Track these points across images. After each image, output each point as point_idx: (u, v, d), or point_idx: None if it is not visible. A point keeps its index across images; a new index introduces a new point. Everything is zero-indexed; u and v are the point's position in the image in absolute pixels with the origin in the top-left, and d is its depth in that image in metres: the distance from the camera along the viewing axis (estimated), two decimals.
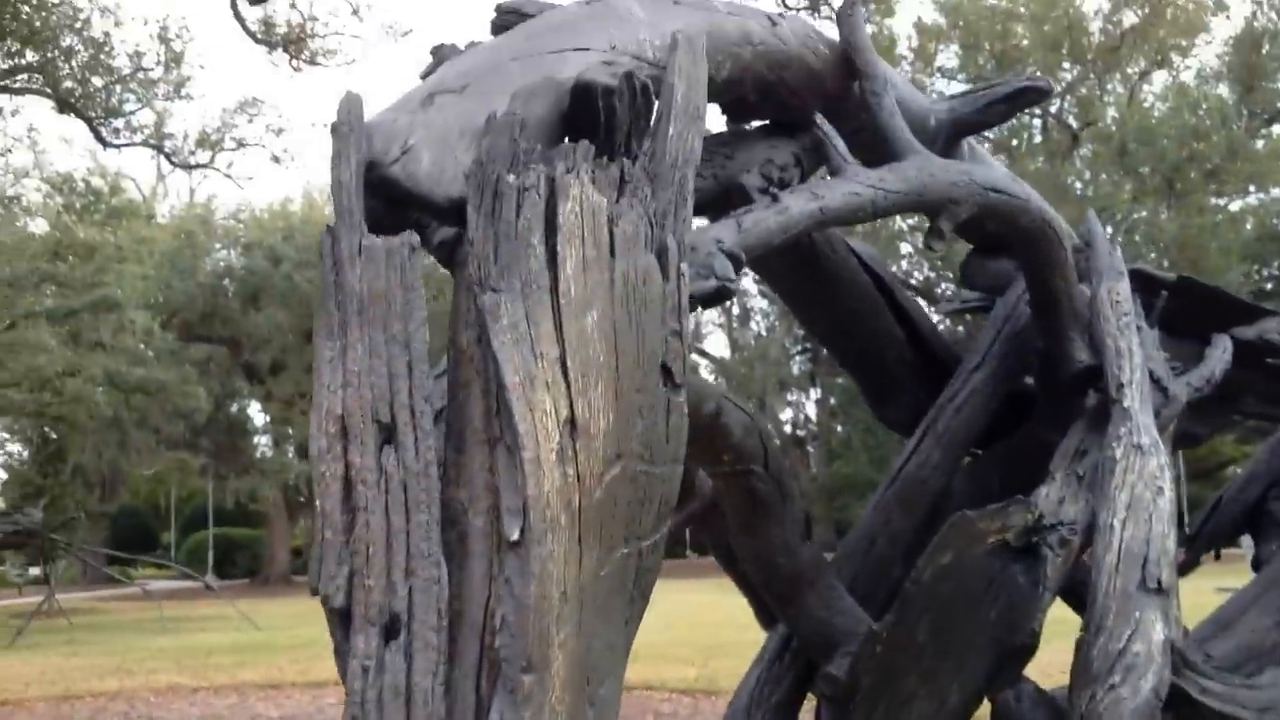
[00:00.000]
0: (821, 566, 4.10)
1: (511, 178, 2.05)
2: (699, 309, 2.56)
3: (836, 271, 4.25)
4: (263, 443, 41.70)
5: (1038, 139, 34.14)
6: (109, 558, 31.96)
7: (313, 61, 21.62)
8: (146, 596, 25.86)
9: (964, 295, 4.85)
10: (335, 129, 2.10)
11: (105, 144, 22.56)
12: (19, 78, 22.45)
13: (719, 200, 3.45)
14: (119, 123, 23.24)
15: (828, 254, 4.21)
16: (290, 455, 38.12)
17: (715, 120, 3.81)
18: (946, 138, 4.02)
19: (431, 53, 3.12)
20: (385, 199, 2.18)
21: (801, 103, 3.59)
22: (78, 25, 21.29)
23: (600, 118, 2.26)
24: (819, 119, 3.48)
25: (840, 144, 3.45)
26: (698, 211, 3.47)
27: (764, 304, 35.50)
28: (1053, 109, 33.41)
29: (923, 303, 7.16)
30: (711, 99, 3.38)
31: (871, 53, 3.62)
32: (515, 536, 1.95)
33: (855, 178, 3.38)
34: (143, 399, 27.90)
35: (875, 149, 3.68)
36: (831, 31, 3.74)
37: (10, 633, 20.76)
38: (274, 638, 21.04)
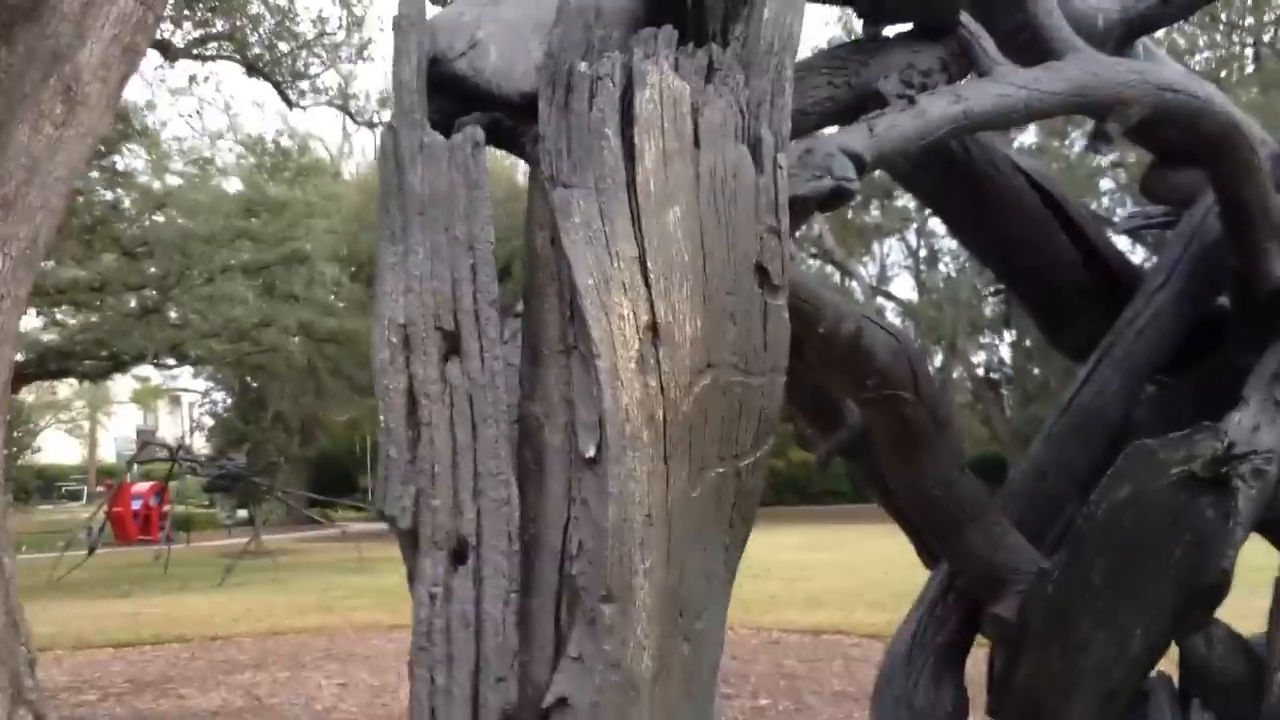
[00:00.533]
0: (984, 501, 3.83)
1: (584, 66, 1.87)
2: (813, 213, 2.33)
3: (1000, 191, 3.95)
4: None
5: (1250, 69, 32.38)
6: (310, 500, 32.99)
7: None
8: (345, 537, 26.61)
9: (1146, 211, 4.48)
10: (396, 24, 1.94)
11: (292, 105, 23.16)
12: (210, 45, 23.09)
13: (854, 110, 3.21)
14: (304, 85, 23.76)
15: (989, 173, 3.91)
16: None
17: (853, 26, 3.56)
18: (1119, 38, 3.68)
19: None
20: (453, 97, 2.02)
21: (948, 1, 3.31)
22: None
23: (689, 4, 2.05)
24: (965, 18, 3.19)
25: (989, 43, 3.17)
26: (830, 123, 3.24)
27: (952, 244, 34.55)
28: (1266, 36, 31.62)
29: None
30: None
31: None
32: (591, 453, 1.78)
33: (1006, 78, 3.09)
34: (335, 348, 28.71)
35: (1033, 53, 3.38)
36: None
37: (220, 572, 21.58)
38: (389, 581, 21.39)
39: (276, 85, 23.42)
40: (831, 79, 3.30)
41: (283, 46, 23.31)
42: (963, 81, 3.15)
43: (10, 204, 9.85)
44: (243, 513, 33.25)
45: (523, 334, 1.97)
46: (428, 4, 2.00)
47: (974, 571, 3.82)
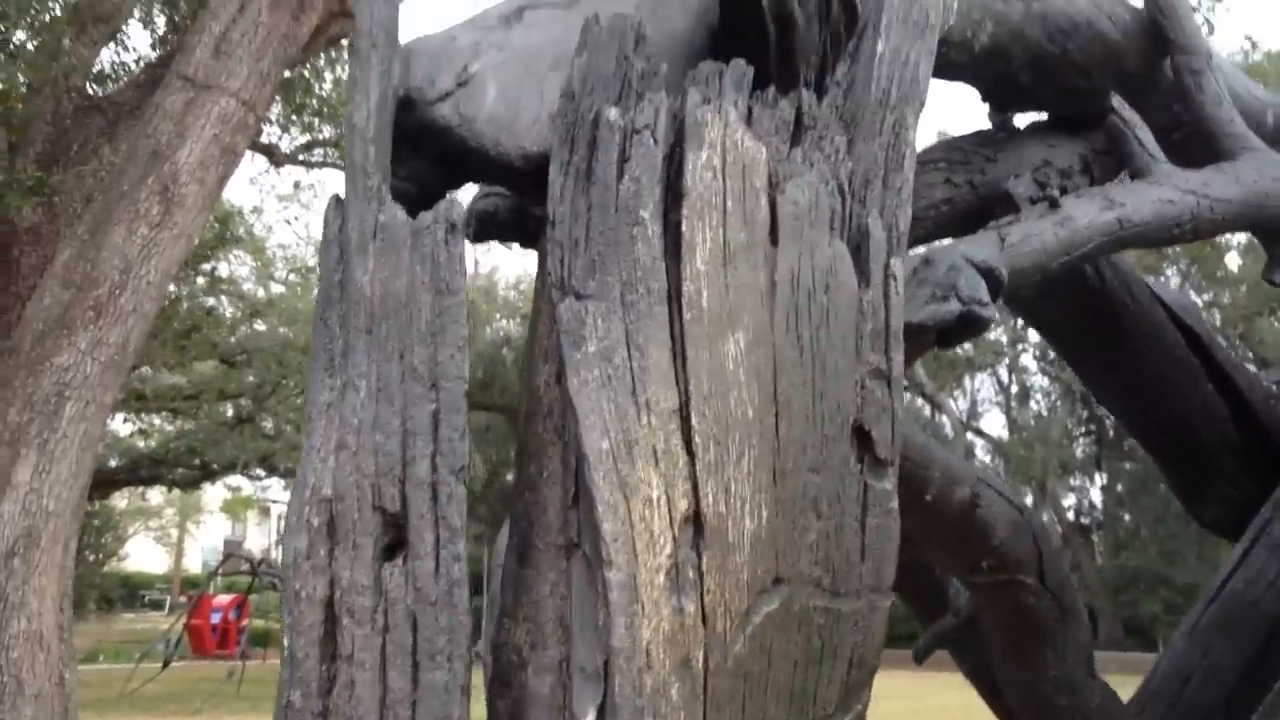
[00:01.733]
0: (1115, 710, 3.12)
1: (614, 114, 1.25)
2: (931, 347, 1.69)
3: (1136, 325, 3.28)
4: None
5: None
6: None
7: None
8: None
9: None
10: (353, 44, 1.33)
11: None
12: (315, 151, 23.30)
13: (977, 216, 2.59)
14: None
15: (1124, 301, 3.25)
16: None
17: (978, 113, 2.92)
18: None
19: None
20: (434, 157, 1.39)
21: (1092, 85, 2.69)
22: None
23: (770, 33, 1.42)
24: (1117, 104, 2.56)
25: (1147, 136, 2.55)
26: (948, 232, 2.63)
27: (1044, 381, 33.66)
28: None
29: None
30: (968, 75, 2.54)
31: (1190, 20, 2.69)
32: (590, 718, 1.13)
33: (1169, 179, 2.47)
34: None
35: (1195, 151, 2.75)
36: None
37: None
38: None
39: None
40: (950, 176, 2.71)
41: None
42: (1113, 183, 2.50)
43: (102, 307, 9.54)
44: None
45: (510, 518, 1.33)
46: (402, 21, 1.39)
47: None
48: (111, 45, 11.29)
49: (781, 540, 1.22)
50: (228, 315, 26.49)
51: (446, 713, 1.16)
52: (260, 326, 25.41)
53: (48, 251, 10.15)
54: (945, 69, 2.50)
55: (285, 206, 33.20)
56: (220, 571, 30.56)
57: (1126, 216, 2.34)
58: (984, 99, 2.83)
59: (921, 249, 1.96)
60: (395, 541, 1.22)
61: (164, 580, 63.31)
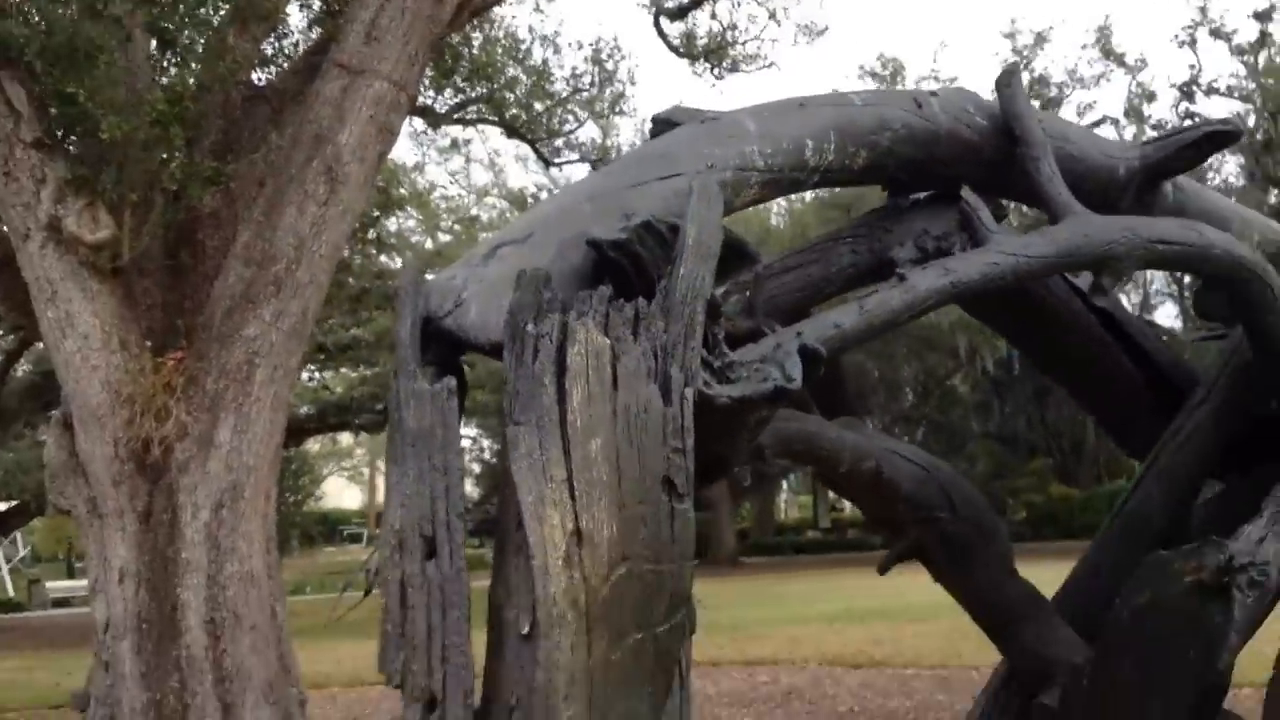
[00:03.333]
0: (1035, 601, 4.25)
1: (530, 327, 2.47)
2: (768, 407, 2.84)
3: (1056, 313, 4.37)
4: None
5: None
6: None
7: (734, 69, 22.26)
8: None
9: (1211, 327, 4.81)
10: (395, 293, 2.59)
11: (548, 163, 24.13)
12: (470, 109, 24.28)
13: (874, 274, 3.71)
14: (559, 142, 24.72)
15: (1043, 297, 4.33)
16: None
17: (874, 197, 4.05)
18: (1140, 183, 4.06)
19: (653, 120, 3.55)
20: (447, 344, 2.65)
21: (960, 174, 3.77)
22: (519, 56, 22.82)
23: (624, 265, 2.63)
24: (965, 192, 3.66)
25: (985, 215, 3.62)
26: (851, 288, 3.75)
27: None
28: None
29: None
30: (853, 183, 3.67)
31: (1029, 118, 3.75)
32: (525, 630, 2.38)
33: (997, 247, 3.54)
34: None
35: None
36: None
37: (486, 611, 22.69)
38: (717, 617, 21.93)
39: (532, 144, 24.53)
40: (854, 247, 3.82)
41: (538, 106, 24.37)
42: (952, 257, 3.60)
43: (281, 282, 10.94)
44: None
45: (496, 534, 2.59)
46: (425, 273, 2.64)
47: (1023, 662, 4.25)
48: (272, 35, 12.40)
49: (625, 538, 2.44)
50: (398, 270, 27.91)
51: (459, 631, 2.43)
52: (430, 276, 26.98)
53: (228, 234, 11.43)
54: (835, 180, 3.65)
55: (445, 159, 34.66)
56: None
57: (958, 279, 3.42)
58: (883, 189, 3.96)
59: (784, 333, 3.08)
60: (430, 551, 2.49)
61: (359, 515, 66.20)
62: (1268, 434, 4.41)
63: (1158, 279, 37.82)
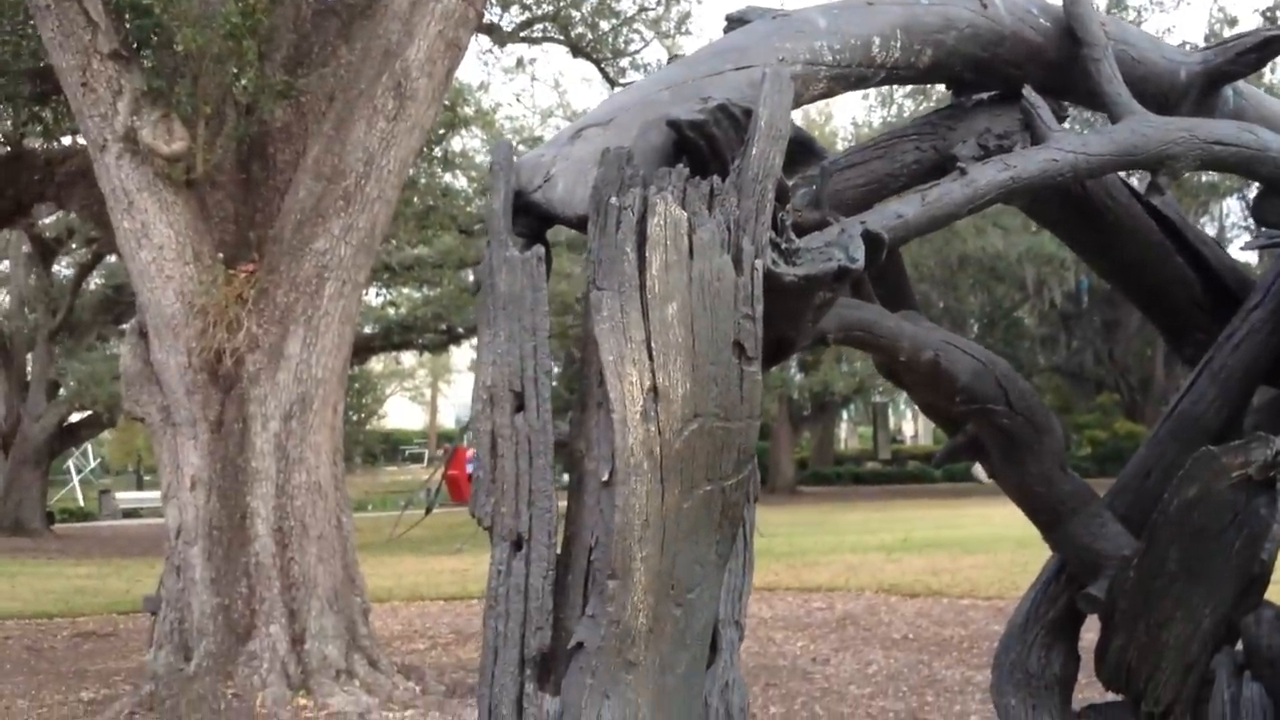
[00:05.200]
0: (1085, 496, 4.42)
1: (613, 200, 2.66)
2: (833, 286, 3.02)
3: (1118, 219, 4.50)
4: None
5: None
6: None
7: None
8: None
9: (1269, 231, 4.90)
10: (490, 168, 2.79)
11: (613, 84, 24.18)
12: (536, 27, 24.25)
13: (938, 171, 3.86)
14: (624, 62, 24.71)
15: (1106, 203, 4.46)
16: (791, 371, 39.54)
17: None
18: (1201, 88, 4.17)
19: (726, 18, 3.72)
20: (536, 216, 2.85)
21: (1024, 73, 3.90)
22: None
23: (701, 145, 2.81)
24: (1027, 91, 3.78)
25: (1046, 113, 3.74)
26: (916, 183, 3.90)
27: None
28: None
29: None
30: (919, 80, 3.82)
31: (1091, 20, 3.86)
32: (605, 477, 2.60)
33: (1056, 144, 3.68)
34: None
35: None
36: None
37: None
38: (773, 544, 22.28)
39: (597, 64, 24.52)
40: (919, 144, 3.97)
41: (604, 25, 24.30)
42: (1013, 152, 3.74)
43: (350, 196, 11.20)
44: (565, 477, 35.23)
45: (577, 389, 2.80)
46: (518, 146, 2.83)
47: (1075, 556, 4.44)
48: None
49: (697, 396, 2.64)
50: (463, 189, 28.23)
51: (545, 478, 2.66)
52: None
53: (299, 147, 11.70)
54: (902, 78, 3.80)
55: (511, 78, 34.60)
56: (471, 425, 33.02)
57: (1018, 174, 3.56)
58: (948, 88, 4.09)
59: (851, 220, 3.26)
60: (519, 405, 2.70)
61: (421, 435, 67.12)
62: None
63: (1234, 212, 37.40)
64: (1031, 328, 46.74)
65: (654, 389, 2.61)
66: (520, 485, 2.67)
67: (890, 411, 60.23)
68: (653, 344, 2.61)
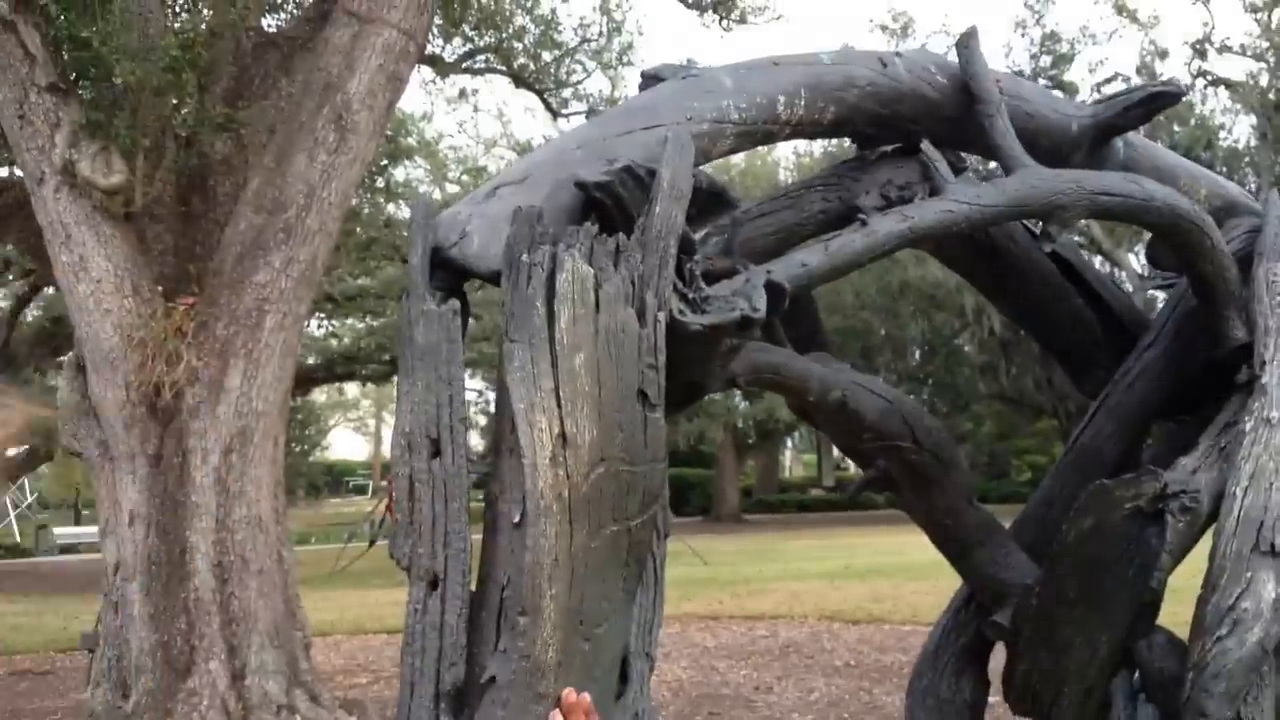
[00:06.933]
0: (991, 527, 4.62)
1: (525, 256, 2.82)
2: (737, 334, 3.20)
3: (1019, 262, 4.72)
4: None
5: None
6: None
7: (742, 20, 22.31)
8: None
9: (1164, 274, 5.14)
10: (409, 225, 2.95)
11: (555, 114, 24.29)
12: (478, 59, 24.29)
13: (844, 220, 4.05)
14: (567, 93, 24.76)
15: (1008, 246, 4.69)
16: (736, 399, 39.83)
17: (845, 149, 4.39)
18: (1093, 140, 4.40)
19: (641, 75, 3.90)
20: (452, 271, 3.02)
21: (922, 129, 4.11)
22: (527, 5, 22.87)
23: (607, 204, 2.99)
24: (925, 145, 3.99)
25: (943, 166, 3.94)
26: (822, 232, 4.09)
27: None
28: None
29: None
30: (822, 135, 4.02)
31: (985, 79, 4.07)
32: (516, 519, 2.75)
33: (952, 195, 3.89)
34: None
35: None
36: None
37: None
38: (718, 573, 22.43)
39: (540, 95, 24.58)
40: (825, 195, 4.17)
41: (546, 56, 24.38)
42: (911, 204, 3.94)
43: (291, 228, 11.24)
44: None
45: (492, 436, 2.96)
46: (461, 177, 3.00)
47: (983, 585, 4.64)
48: None
49: (604, 442, 2.80)
50: (405, 220, 28.06)
51: (460, 520, 2.81)
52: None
53: (239, 180, 11.70)
54: (806, 133, 4.00)
55: (454, 108, 34.74)
56: None
57: (916, 224, 3.75)
58: (852, 142, 4.31)
59: (755, 270, 3.44)
60: (435, 451, 2.86)
61: (365, 466, 66.75)
62: (1214, 376, 4.76)
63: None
64: (972, 355, 47.26)
65: (563, 435, 2.76)
66: (436, 527, 2.83)
67: None
68: (561, 393, 2.77)
